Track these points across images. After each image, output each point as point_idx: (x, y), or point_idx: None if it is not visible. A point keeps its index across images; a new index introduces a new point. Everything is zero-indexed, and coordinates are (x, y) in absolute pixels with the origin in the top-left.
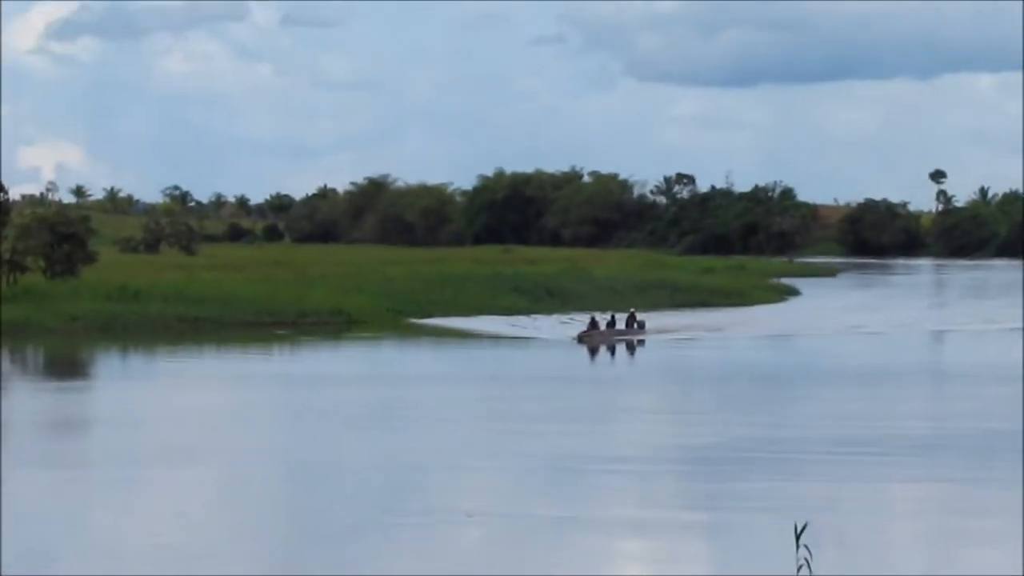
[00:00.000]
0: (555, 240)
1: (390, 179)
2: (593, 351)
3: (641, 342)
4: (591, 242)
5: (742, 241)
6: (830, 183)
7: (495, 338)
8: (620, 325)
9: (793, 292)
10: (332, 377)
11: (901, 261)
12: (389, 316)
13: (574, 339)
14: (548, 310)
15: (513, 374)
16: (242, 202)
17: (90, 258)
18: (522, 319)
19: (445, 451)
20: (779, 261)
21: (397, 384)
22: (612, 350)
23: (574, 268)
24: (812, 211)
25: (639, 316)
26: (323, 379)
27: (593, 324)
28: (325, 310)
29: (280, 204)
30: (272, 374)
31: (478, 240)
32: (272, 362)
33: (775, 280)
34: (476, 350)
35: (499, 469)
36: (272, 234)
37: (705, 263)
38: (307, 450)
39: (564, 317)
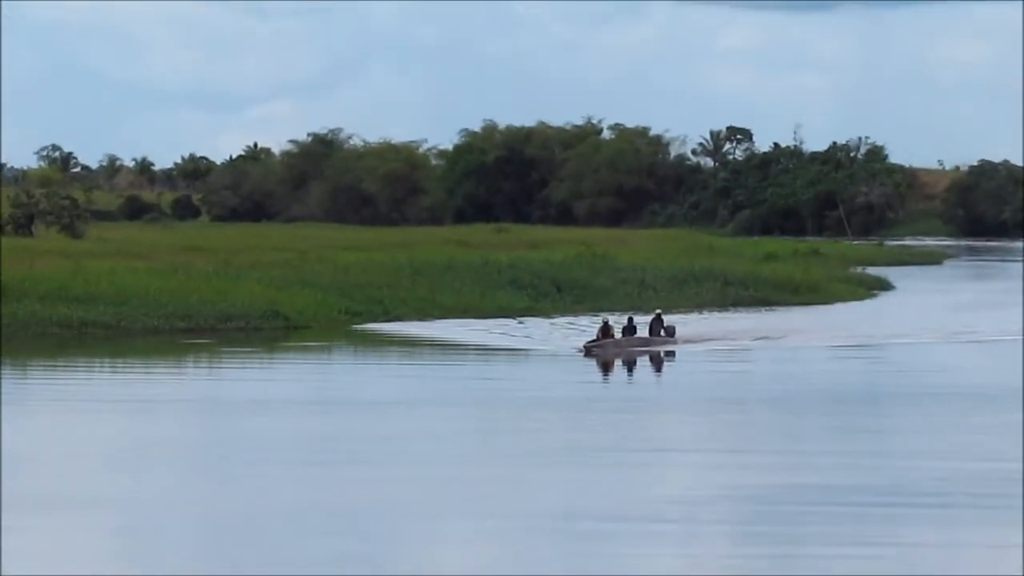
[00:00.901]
0: (565, 217)
1: (343, 136)
2: (605, 367)
3: (670, 354)
4: (613, 219)
5: (815, 217)
6: (934, 140)
7: (477, 351)
8: (643, 332)
9: (884, 286)
10: (264, 403)
11: None
12: (342, 320)
13: (579, 351)
14: (556, 310)
15: (500, 399)
16: (144, 167)
17: None
18: (515, 323)
19: (409, 504)
20: (865, 244)
21: (349, 412)
22: (631, 365)
23: (590, 254)
24: (909, 177)
25: (667, 320)
26: (252, 405)
27: (605, 331)
28: (256, 312)
29: (195, 170)
30: (184, 398)
31: (461, 217)
32: (184, 382)
33: (859, 270)
34: (452, 366)
35: (484, 531)
36: (184, 210)
37: (766, 246)
38: (226, 502)
39: (568, 320)
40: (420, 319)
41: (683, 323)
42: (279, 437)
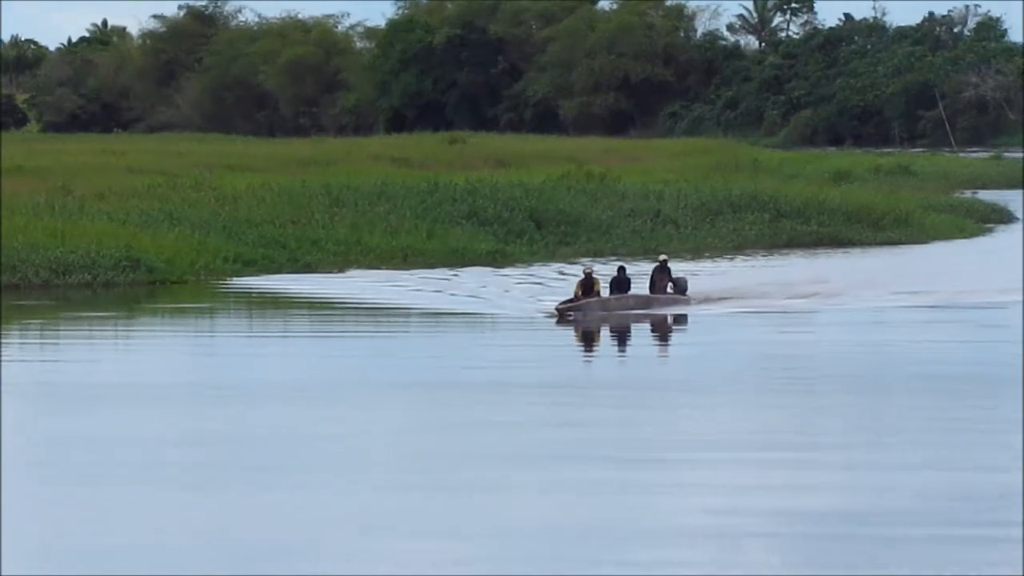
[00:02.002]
0: (546, 122)
1: (229, 8)
2: (587, 337)
3: (680, 320)
4: (615, 126)
5: (905, 120)
6: None
7: (412, 315)
8: (641, 288)
9: (1002, 217)
10: (121, 387)
11: None
12: (229, 271)
13: (550, 315)
14: (533, 254)
15: (447, 383)
16: None
17: None
18: (463, 275)
19: (328, 525)
20: (976, 157)
21: (241, 402)
22: (622, 334)
23: (583, 176)
24: None
25: (678, 270)
26: (103, 390)
27: (587, 285)
28: (106, 261)
29: (18, 60)
30: (12, 380)
31: (399, 124)
32: (12, 356)
33: (968, 194)
34: (381, 337)
35: (443, 555)
36: (5, 116)
37: (835, 161)
38: (69, 526)
39: (558, 268)
40: (340, 269)
41: (708, 274)
42: (147, 442)
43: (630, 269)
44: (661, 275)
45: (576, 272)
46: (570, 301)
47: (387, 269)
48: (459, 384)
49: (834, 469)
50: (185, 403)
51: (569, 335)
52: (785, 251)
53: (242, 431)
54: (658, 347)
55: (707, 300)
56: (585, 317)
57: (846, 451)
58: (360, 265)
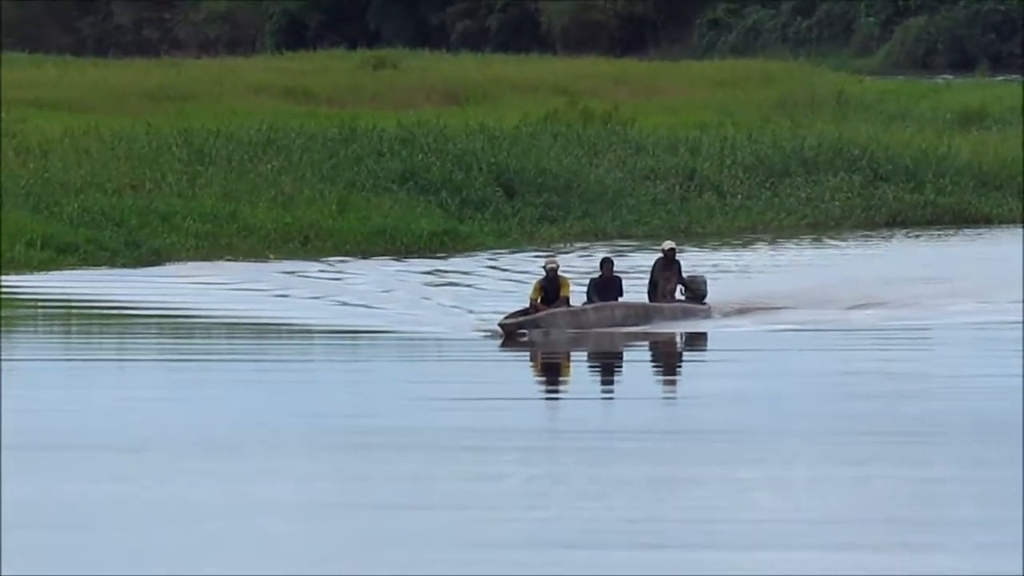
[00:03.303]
0: (522, 34)
1: None
2: (548, 365)
3: (695, 340)
4: (627, 40)
5: None
6: None
7: (295, 333)
8: (635, 295)
9: None
10: None
11: None
12: (35, 262)
13: (490, 334)
14: (500, 236)
15: (365, 431)
16: None
17: None
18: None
19: None
20: None
21: (50, 468)
22: (608, 361)
23: (579, 115)
24: None
25: (693, 274)
26: None
27: (550, 289)
28: None
29: None
30: None
31: (294, 37)
32: None
33: None
34: (252, 365)
35: None
36: None
37: (962, 95)
38: None
39: (531, 256)
40: (204, 258)
41: (756, 269)
42: None
43: (632, 262)
44: (666, 273)
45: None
46: (524, 312)
47: (278, 259)
48: (371, 432)
49: (984, 553)
50: None
51: (521, 367)
52: (886, 231)
53: (57, 507)
54: (662, 381)
55: (742, 310)
56: (547, 337)
57: (989, 529)
58: (236, 253)
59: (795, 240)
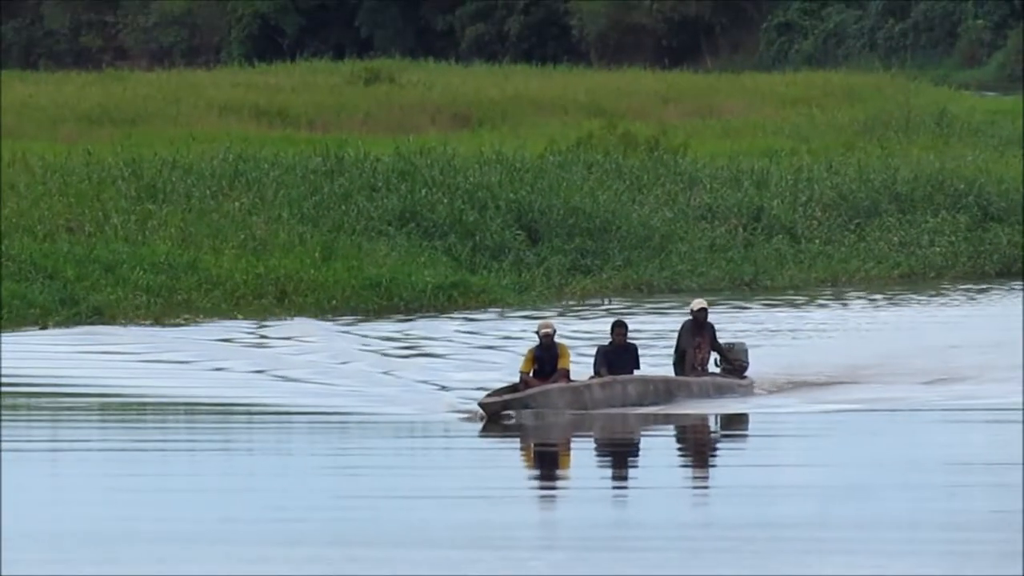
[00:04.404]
0: (550, 41)
1: None
2: (543, 458)
3: (732, 424)
4: (676, 50)
5: None
6: None
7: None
8: (653, 368)
9: None
10: None
11: None
12: None
13: (470, 416)
14: (524, 292)
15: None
16: None
17: None
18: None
19: None
20: None
21: None
22: (621, 451)
23: (619, 140)
24: None
25: (732, 340)
26: None
27: (544, 360)
28: None
29: None
30: None
31: (266, 45)
32: None
33: None
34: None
35: None
36: None
37: None
38: None
39: (554, 317)
40: (157, 318)
41: (834, 329)
42: None
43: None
44: (697, 339)
45: (595, 331)
46: (512, 388)
47: (247, 317)
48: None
49: None
50: None
51: (510, 455)
52: (998, 283)
53: None
54: (691, 477)
55: (791, 385)
56: (538, 420)
57: None
58: (196, 311)
59: (885, 294)
